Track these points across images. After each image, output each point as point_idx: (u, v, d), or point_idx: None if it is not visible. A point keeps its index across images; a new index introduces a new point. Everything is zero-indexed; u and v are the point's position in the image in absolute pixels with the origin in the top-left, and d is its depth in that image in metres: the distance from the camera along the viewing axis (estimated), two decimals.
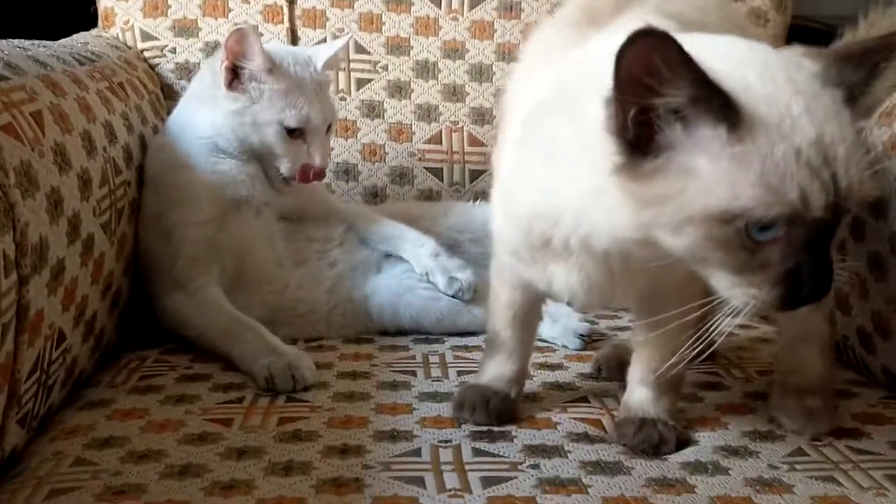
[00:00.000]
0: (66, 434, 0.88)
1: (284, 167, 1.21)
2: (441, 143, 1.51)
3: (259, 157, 1.21)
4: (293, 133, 1.19)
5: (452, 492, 0.77)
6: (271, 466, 0.81)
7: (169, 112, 1.35)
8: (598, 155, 0.68)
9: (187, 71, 1.47)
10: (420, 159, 1.50)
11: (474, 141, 1.50)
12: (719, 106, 0.64)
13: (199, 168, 1.20)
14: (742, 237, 0.65)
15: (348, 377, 1.06)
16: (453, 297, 1.23)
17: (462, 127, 1.50)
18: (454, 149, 1.50)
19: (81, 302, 0.99)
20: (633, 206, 0.67)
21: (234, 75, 1.17)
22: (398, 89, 1.51)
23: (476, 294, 1.23)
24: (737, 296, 0.68)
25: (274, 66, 1.17)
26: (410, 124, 1.51)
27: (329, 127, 1.24)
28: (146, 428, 0.89)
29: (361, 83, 1.51)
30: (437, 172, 1.50)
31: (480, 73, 1.51)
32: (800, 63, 0.69)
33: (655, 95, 0.64)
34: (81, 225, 0.98)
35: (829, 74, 0.68)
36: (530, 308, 0.95)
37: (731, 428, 0.93)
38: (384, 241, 1.29)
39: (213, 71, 1.20)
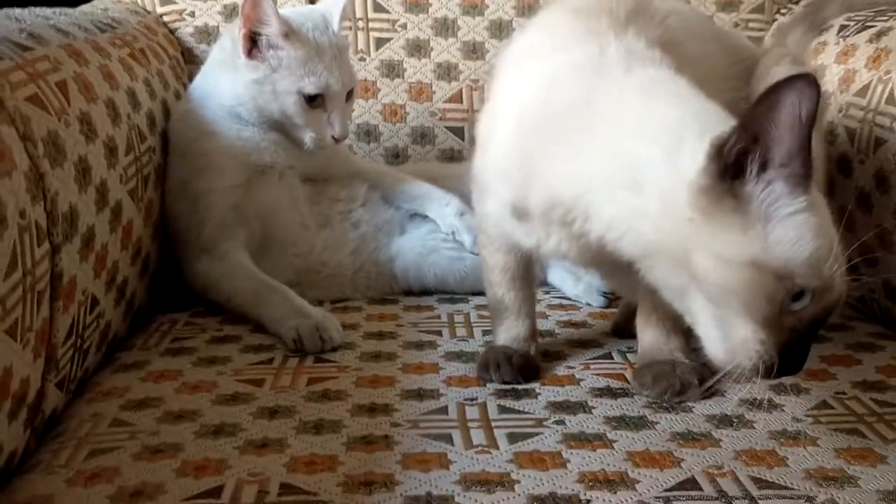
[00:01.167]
0: (102, 396, 0.91)
1: (307, 138, 1.20)
2: (462, 101, 1.50)
3: (280, 127, 1.21)
4: (313, 101, 1.18)
5: (480, 448, 0.79)
6: (302, 425, 0.83)
7: (190, 76, 1.36)
8: (683, 170, 0.72)
9: (207, 34, 1.47)
10: (441, 119, 1.50)
11: None
12: (803, 177, 0.71)
13: (223, 135, 1.21)
14: (788, 297, 0.71)
15: (375, 337, 1.07)
16: (478, 255, 1.24)
17: (482, 85, 1.49)
18: (475, 107, 1.49)
19: (112, 267, 1.01)
20: (698, 220, 0.71)
21: (253, 43, 1.16)
22: (417, 48, 1.50)
23: None
24: (747, 350, 0.73)
25: (291, 31, 1.16)
26: (430, 83, 1.50)
27: (350, 93, 1.23)
28: (180, 389, 0.92)
29: (380, 42, 1.50)
30: (458, 132, 1.50)
31: (500, 30, 1.50)
32: None
33: (766, 137, 0.69)
34: (109, 192, 0.99)
35: None
36: (526, 267, 0.97)
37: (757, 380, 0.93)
38: (409, 200, 1.30)
39: (232, 39, 1.19)
